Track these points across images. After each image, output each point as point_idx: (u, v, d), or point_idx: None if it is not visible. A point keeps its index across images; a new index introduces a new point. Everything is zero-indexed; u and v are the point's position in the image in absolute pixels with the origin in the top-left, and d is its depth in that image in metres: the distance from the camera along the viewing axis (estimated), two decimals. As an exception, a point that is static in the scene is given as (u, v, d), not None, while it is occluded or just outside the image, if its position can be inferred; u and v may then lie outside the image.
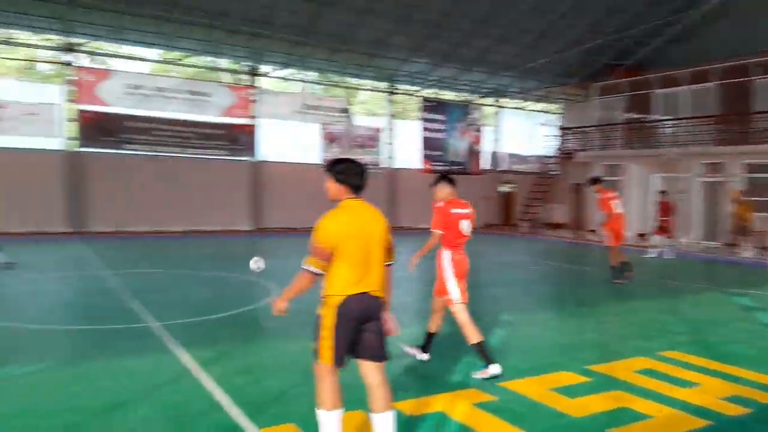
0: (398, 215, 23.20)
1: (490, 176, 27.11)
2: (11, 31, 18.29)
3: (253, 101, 20.92)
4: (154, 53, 20.66)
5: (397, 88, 24.77)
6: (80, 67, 18.54)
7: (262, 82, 22.01)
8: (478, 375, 5.38)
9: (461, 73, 23.91)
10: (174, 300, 9.02)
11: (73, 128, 18.25)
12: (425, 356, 5.89)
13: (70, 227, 18.13)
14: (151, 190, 19.30)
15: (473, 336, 5.43)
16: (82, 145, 18.27)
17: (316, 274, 3.50)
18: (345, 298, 3.49)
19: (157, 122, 19.27)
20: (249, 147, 20.93)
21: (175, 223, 19.54)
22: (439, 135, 25.28)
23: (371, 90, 26.64)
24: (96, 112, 18.32)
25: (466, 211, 5.68)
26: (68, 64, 18.35)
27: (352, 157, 22.90)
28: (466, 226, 5.65)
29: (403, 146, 24.97)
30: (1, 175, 16.95)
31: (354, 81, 25.74)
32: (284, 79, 25.00)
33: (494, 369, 5.33)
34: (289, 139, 22.47)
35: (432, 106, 25.31)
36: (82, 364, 5.73)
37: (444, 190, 5.69)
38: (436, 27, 20.09)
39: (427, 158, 24.86)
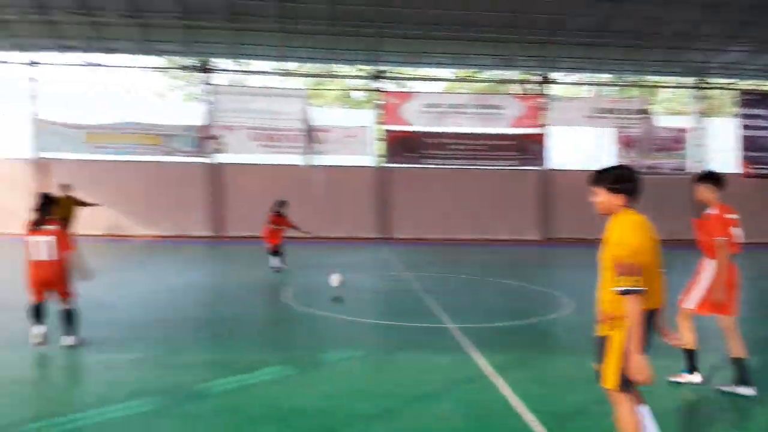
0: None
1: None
2: (333, 65, 21.51)
3: (543, 109, 20.77)
4: (448, 72, 22.10)
5: (707, 83, 21.92)
6: (387, 92, 20.84)
7: (552, 89, 21.71)
8: (725, 388, 5.13)
9: (791, 59, 20.00)
10: (467, 303, 9.45)
11: (380, 146, 20.62)
12: (751, 390, 5.07)
13: (378, 233, 20.45)
14: (444, 200, 20.63)
15: (740, 350, 5.08)
16: (388, 161, 20.49)
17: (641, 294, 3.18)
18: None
19: (451, 137, 20.54)
20: (538, 156, 20.83)
21: (464, 232, 20.52)
22: (763, 133, 21.54)
23: (675, 87, 24.08)
24: (400, 131, 20.37)
25: (736, 216, 5.16)
26: (377, 90, 20.78)
27: (649, 162, 20.45)
28: (739, 232, 5.14)
29: (716, 147, 21.92)
30: (329, 187, 19.94)
31: (654, 79, 23.59)
32: (575, 84, 24.24)
33: (746, 390, 5.01)
34: (580, 145, 21.67)
35: (753, 99, 21.74)
36: (391, 355, 6.39)
37: (708, 193, 5.14)
38: (754, 9, 17.18)
39: (748, 160, 21.39)
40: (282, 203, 12.82)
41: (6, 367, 5.75)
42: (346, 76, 22.69)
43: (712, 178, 5.19)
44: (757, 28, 18.05)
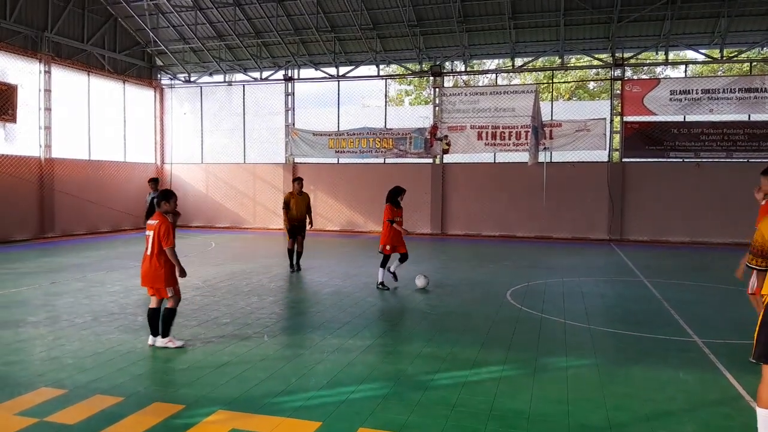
0: None
1: None
2: (567, 57, 20.54)
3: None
4: (701, 56, 19.52)
5: None
6: (627, 80, 19.22)
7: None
8: None
9: None
10: (719, 316, 8.24)
11: (617, 140, 19.09)
12: None
13: (608, 234, 18.98)
14: (691, 199, 18.33)
15: None
16: (625, 156, 18.90)
17: None
18: None
19: (704, 126, 18.16)
20: (819, 145, 17.32)
21: (716, 234, 17.96)
22: None
23: None
24: (642, 122, 18.65)
25: None
26: (616, 78, 19.27)
27: None
28: None
29: None
30: (558, 186, 19.13)
31: None
32: None
33: None
34: None
35: None
36: (626, 366, 5.84)
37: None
38: None
39: None
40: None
41: (258, 345, 6.60)
42: (581, 66, 21.51)
43: None
44: None
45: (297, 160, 22.04)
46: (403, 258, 10.27)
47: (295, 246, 11.93)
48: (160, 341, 6.30)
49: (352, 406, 4.72)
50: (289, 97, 22.18)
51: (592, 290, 10.20)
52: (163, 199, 6.47)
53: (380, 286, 9.94)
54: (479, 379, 5.37)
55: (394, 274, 10.38)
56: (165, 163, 23.54)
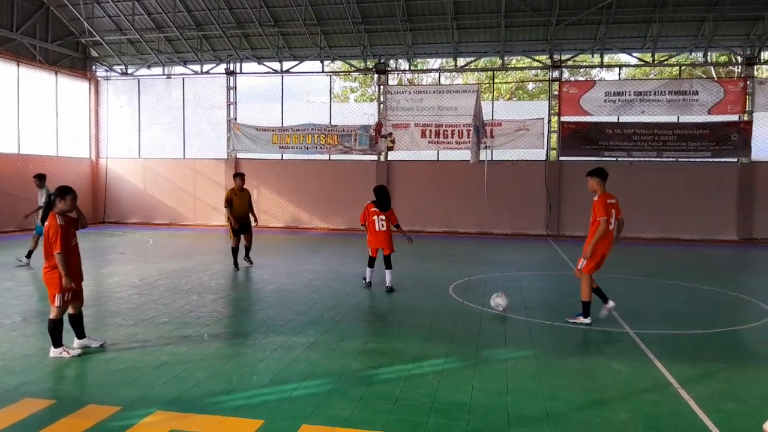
0: None
1: None
2: (508, 58, 20.99)
3: (748, 94, 18.28)
4: (634, 59, 20.36)
5: None
6: (564, 82, 19.82)
7: (761, 72, 19.06)
8: None
9: None
10: (650, 308, 8.64)
11: (555, 139, 19.68)
12: None
13: (546, 230, 19.55)
14: (623, 196, 18.94)
15: None
16: (562, 155, 19.49)
17: None
18: None
19: (635, 127, 18.95)
20: (740, 146, 18.37)
21: (646, 229, 18.80)
22: None
23: None
24: (578, 122, 19.27)
25: None
26: (556, 80, 19.82)
27: None
28: None
29: None
30: (498, 184, 19.55)
31: None
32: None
33: None
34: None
35: None
36: (562, 357, 6.06)
37: None
38: None
39: None
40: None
41: (198, 345, 6.47)
42: (521, 68, 22.03)
43: None
44: None
45: (239, 155, 21.65)
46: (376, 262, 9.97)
47: (241, 243, 11.84)
48: (53, 352, 5.80)
49: (295, 403, 4.69)
50: (232, 91, 21.74)
51: (530, 284, 10.49)
52: (58, 196, 5.77)
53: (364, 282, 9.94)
54: (422, 373, 5.44)
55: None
56: (100, 157, 22.65)
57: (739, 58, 18.94)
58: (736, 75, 19.81)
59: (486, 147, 18.90)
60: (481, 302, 8.66)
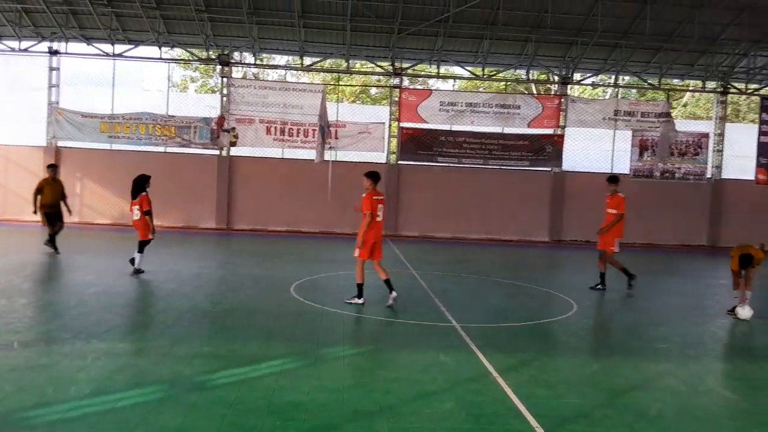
0: (720, 233, 20.75)
1: None
2: (351, 62, 21.45)
3: (562, 110, 20.54)
4: (467, 72, 21.86)
5: (730, 87, 21.53)
6: (404, 89, 20.72)
7: (573, 90, 21.51)
8: None
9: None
10: (474, 303, 9.38)
11: (394, 144, 20.50)
12: None
13: (384, 230, 20.31)
14: (455, 200, 20.50)
15: None
16: (401, 159, 20.37)
17: None
18: None
19: (465, 136, 20.37)
20: (554, 157, 20.60)
21: (474, 231, 20.40)
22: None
23: (698, 91, 23.72)
24: (415, 129, 20.25)
25: None
26: (395, 87, 20.65)
27: (669, 167, 20.16)
28: None
29: (736, 154, 21.58)
30: (342, 184, 19.89)
31: (676, 82, 23.27)
32: (595, 85, 23.97)
33: None
34: (596, 148, 21.36)
35: (774, 106, 21.33)
36: (395, 352, 6.36)
37: None
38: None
39: (763, 167, 21.00)
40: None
41: (6, 354, 5.79)
42: (365, 72, 22.61)
43: None
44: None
45: (61, 143, 19.61)
46: None
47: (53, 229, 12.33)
48: None
49: (120, 414, 4.39)
50: (54, 72, 19.62)
51: (368, 282, 10.80)
52: None
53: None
54: (259, 375, 5.38)
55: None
56: None
57: (556, 78, 21.22)
58: (552, 92, 22.16)
59: (331, 147, 19.13)
60: (322, 301, 8.76)
